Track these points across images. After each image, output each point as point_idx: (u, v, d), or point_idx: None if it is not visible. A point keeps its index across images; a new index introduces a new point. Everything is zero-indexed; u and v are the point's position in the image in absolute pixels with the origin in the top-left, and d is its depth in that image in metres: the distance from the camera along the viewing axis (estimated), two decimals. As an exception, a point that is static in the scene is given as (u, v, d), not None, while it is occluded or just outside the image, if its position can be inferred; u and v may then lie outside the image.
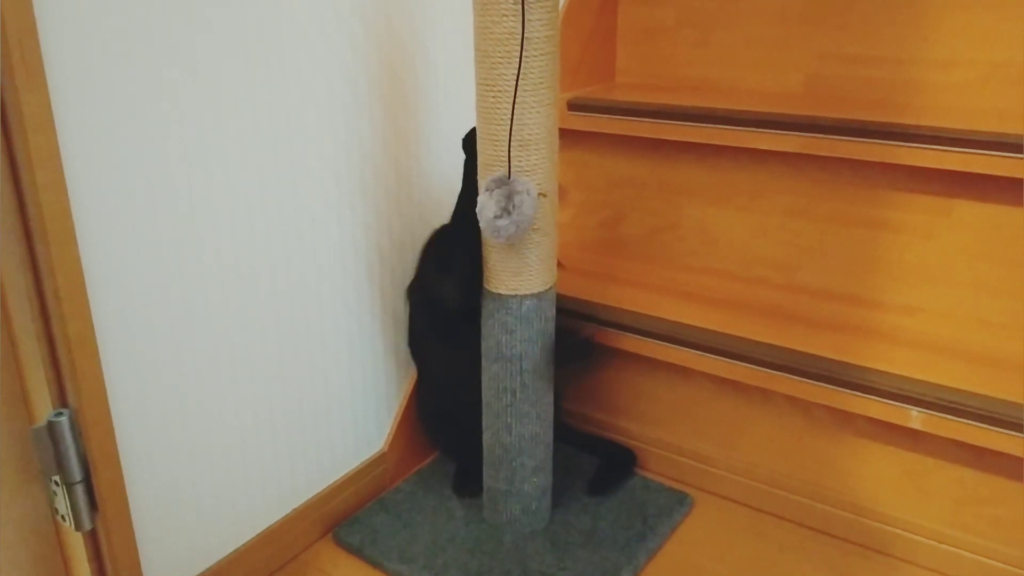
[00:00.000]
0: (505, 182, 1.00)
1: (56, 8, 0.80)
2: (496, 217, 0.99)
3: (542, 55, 0.99)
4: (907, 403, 1.10)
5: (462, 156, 1.21)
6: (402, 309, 1.31)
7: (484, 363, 1.15)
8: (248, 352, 1.08)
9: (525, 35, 0.97)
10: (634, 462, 1.38)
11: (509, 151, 1.01)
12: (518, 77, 0.98)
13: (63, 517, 0.94)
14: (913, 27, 1.35)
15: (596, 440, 1.41)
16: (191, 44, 0.93)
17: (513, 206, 0.99)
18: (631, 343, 1.31)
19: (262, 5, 0.99)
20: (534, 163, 1.03)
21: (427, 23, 1.23)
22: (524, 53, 0.98)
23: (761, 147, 1.30)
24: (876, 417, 1.14)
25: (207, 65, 0.95)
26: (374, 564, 1.18)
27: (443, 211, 1.34)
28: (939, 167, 1.18)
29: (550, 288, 1.12)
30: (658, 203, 1.50)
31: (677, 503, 1.29)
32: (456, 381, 1.24)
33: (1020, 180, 1.18)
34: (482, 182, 1.04)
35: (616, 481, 1.34)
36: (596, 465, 1.36)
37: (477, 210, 1.01)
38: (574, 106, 1.45)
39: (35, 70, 0.78)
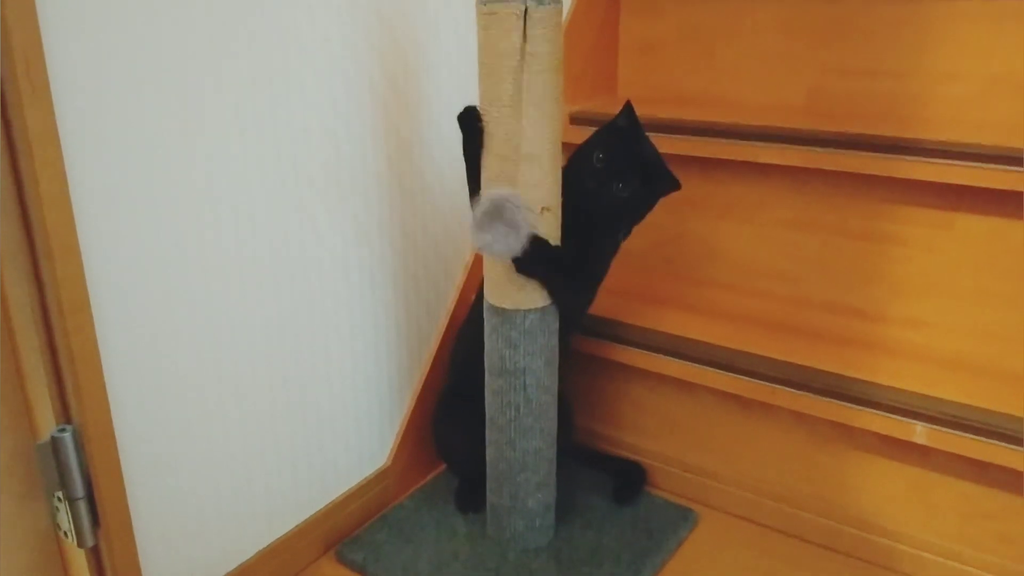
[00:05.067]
0: (497, 200, 1.00)
1: (61, 22, 0.80)
2: (505, 235, 1.00)
3: (545, 70, 0.99)
4: (911, 417, 1.10)
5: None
6: (405, 321, 1.31)
7: (488, 378, 1.15)
8: (251, 367, 1.08)
9: (528, 51, 0.97)
10: (646, 476, 1.38)
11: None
12: (523, 93, 0.98)
13: (66, 533, 0.94)
14: (914, 40, 1.35)
15: (606, 458, 1.40)
16: (194, 57, 0.93)
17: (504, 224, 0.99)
18: (634, 357, 1.31)
19: (265, 18, 1.00)
20: (538, 178, 1.03)
21: (430, 38, 1.24)
22: (528, 68, 0.98)
23: (764, 161, 1.30)
24: (880, 432, 1.14)
25: (210, 78, 0.95)
26: (377, 581, 1.17)
27: (446, 221, 1.34)
28: (941, 180, 1.18)
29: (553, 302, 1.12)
30: (660, 216, 1.48)
31: (681, 519, 1.29)
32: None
33: (1022, 193, 1.18)
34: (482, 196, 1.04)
35: (638, 490, 1.34)
36: (614, 481, 1.35)
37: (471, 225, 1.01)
38: (576, 119, 1.45)
39: (40, 84, 0.78)
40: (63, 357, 0.87)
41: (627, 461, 1.39)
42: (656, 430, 1.38)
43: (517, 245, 1.01)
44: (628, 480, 1.35)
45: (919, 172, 1.19)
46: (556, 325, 1.13)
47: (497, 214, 0.99)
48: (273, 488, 1.15)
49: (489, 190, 1.03)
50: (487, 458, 1.20)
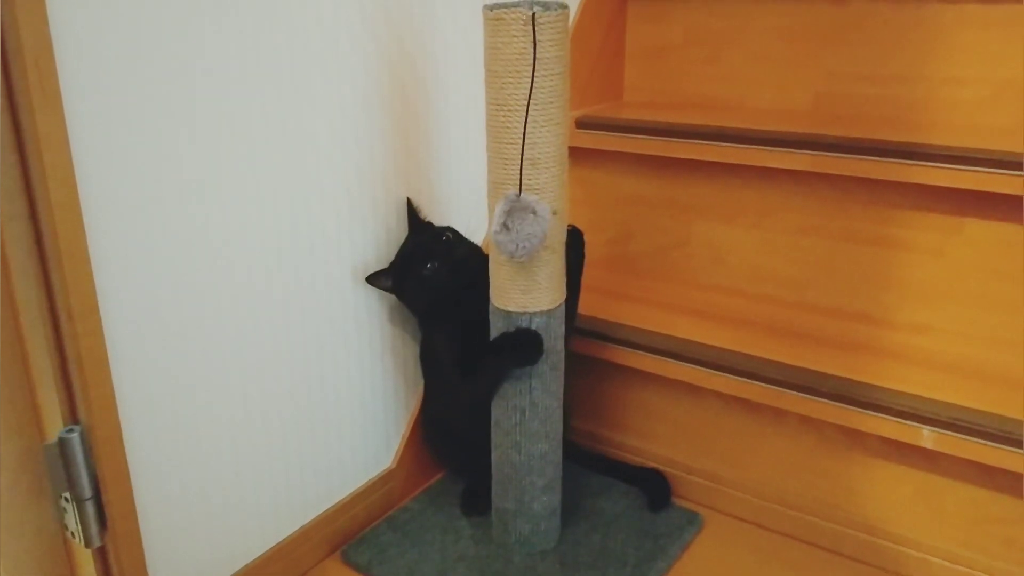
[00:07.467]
0: (513, 200, 1.01)
1: (72, 29, 0.81)
2: (496, 232, 1.00)
3: (552, 75, 1.00)
4: (918, 422, 1.10)
5: (472, 172, 1.21)
6: (411, 327, 1.31)
7: (493, 381, 1.15)
8: (258, 369, 1.09)
9: (535, 56, 0.97)
10: (669, 484, 1.36)
11: (521, 170, 1.01)
12: (530, 97, 0.98)
13: (73, 534, 0.95)
14: (922, 45, 1.35)
15: (625, 467, 1.39)
16: (206, 64, 0.93)
17: (514, 223, 0.99)
18: (640, 360, 1.31)
19: (276, 26, 1.00)
20: (544, 181, 1.03)
21: (438, 44, 1.24)
22: (534, 73, 0.98)
23: (770, 165, 1.30)
24: (887, 436, 1.13)
25: (221, 85, 0.96)
26: (382, 583, 1.18)
27: (452, 224, 1.34)
28: (949, 185, 1.18)
29: (559, 305, 1.12)
30: (667, 220, 1.50)
31: (687, 523, 1.29)
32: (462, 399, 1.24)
33: (1030, 198, 1.17)
34: (493, 200, 1.05)
35: (668, 495, 1.33)
36: (643, 491, 1.34)
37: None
38: (583, 124, 1.45)
39: (51, 90, 0.79)
40: (72, 360, 0.87)
41: (646, 469, 1.37)
42: (662, 434, 1.38)
43: (526, 248, 1.01)
44: (656, 490, 1.34)
45: (927, 176, 1.18)
46: (562, 329, 1.14)
47: (510, 216, 1.00)
48: (279, 489, 1.16)
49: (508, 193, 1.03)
50: (492, 461, 1.20)
